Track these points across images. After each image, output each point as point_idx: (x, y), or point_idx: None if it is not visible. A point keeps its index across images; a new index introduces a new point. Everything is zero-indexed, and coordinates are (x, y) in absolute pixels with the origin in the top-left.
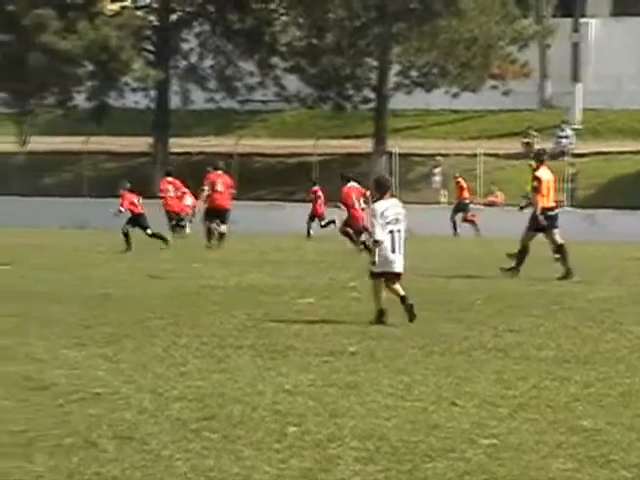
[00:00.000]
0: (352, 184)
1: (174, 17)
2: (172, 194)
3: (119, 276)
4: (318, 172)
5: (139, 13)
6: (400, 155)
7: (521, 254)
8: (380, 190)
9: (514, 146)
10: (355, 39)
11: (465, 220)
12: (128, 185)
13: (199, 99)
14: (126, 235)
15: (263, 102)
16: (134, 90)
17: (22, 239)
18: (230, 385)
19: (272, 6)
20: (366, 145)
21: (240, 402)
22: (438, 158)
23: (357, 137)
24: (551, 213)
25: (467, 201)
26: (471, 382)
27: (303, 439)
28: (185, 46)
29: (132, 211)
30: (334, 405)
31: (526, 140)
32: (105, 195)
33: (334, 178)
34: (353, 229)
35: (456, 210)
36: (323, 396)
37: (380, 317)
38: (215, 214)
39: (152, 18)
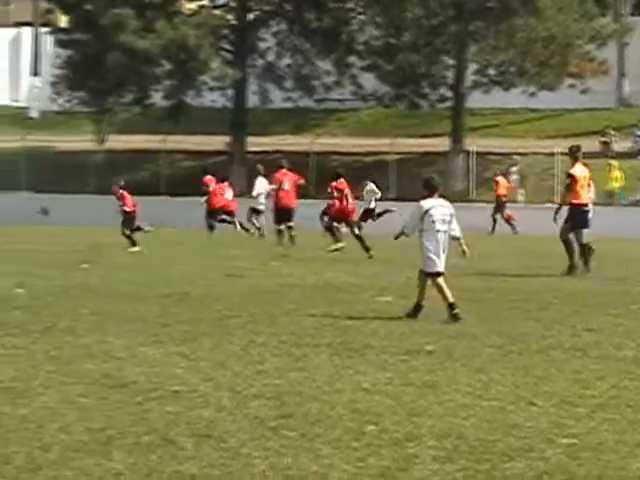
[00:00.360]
0: (342, 180)
1: (252, 16)
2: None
3: (196, 274)
4: (395, 171)
5: (217, 12)
6: (477, 154)
7: (583, 254)
8: (428, 189)
9: (592, 145)
10: (432, 37)
11: (497, 219)
12: (122, 183)
13: (276, 98)
14: (135, 231)
15: (340, 101)
16: (212, 89)
17: (100, 238)
18: (308, 383)
19: (349, 5)
20: (443, 144)
21: (318, 400)
22: (515, 157)
23: (434, 136)
24: (585, 209)
25: (503, 200)
26: (549, 381)
27: (381, 438)
28: (262, 45)
29: (126, 210)
30: (412, 404)
31: (604, 139)
32: (182, 193)
33: (411, 176)
34: (339, 219)
35: (498, 209)
36: (401, 395)
37: (452, 310)
38: (281, 213)
39: (230, 17)
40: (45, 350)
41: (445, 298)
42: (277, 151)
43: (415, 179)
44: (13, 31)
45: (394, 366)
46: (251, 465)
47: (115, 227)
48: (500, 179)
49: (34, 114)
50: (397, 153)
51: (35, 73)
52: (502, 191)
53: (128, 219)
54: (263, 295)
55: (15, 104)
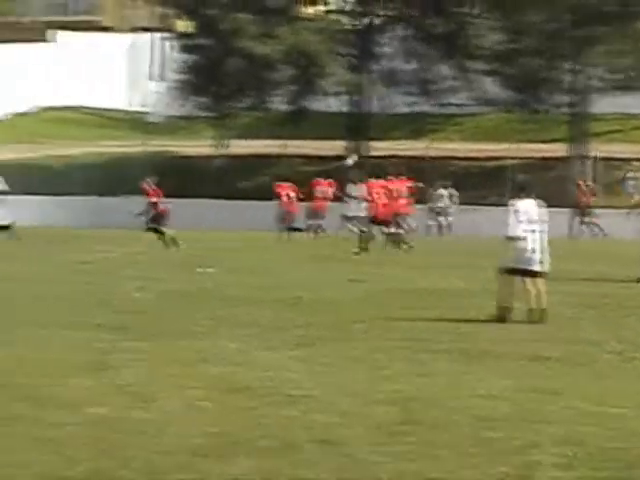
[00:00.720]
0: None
1: (372, 21)
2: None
3: (311, 279)
4: (514, 176)
5: (338, 17)
6: (599, 159)
7: None
8: (521, 191)
9: None
10: (552, 42)
11: (588, 222)
12: (153, 181)
13: (396, 102)
14: (157, 231)
15: (459, 105)
16: (331, 94)
17: (217, 242)
18: (427, 389)
19: (470, 10)
20: (563, 149)
21: (438, 406)
22: (635, 163)
23: (554, 141)
24: None
25: (587, 205)
26: None
27: (501, 444)
28: (383, 50)
29: (155, 208)
30: (532, 410)
31: None
32: (301, 199)
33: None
34: (378, 220)
35: (580, 214)
36: (521, 401)
37: (502, 314)
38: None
39: (350, 22)
40: (163, 354)
41: (502, 299)
42: (394, 156)
43: (535, 185)
44: (131, 36)
45: (513, 372)
46: (371, 471)
47: (234, 231)
48: (582, 184)
49: (154, 119)
50: (516, 158)
51: (154, 78)
52: (584, 198)
53: (157, 215)
54: (378, 299)
55: (134, 109)
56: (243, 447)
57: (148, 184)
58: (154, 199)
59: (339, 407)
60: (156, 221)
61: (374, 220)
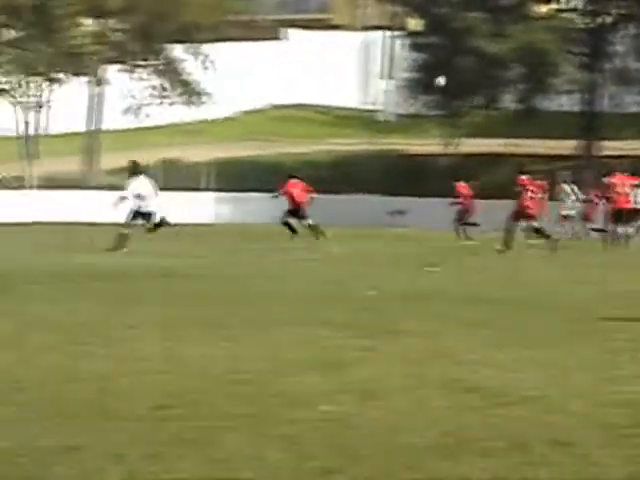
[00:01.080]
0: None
1: (604, 19)
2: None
3: (545, 278)
4: None
5: (570, 16)
6: None
7: None
8: None
9: None
10: None
11: None
12: (295, 176)
13: (629, 102)
14: (287, 224)
15: None
16: (562, 92)
17: (446, 241)
18: None
19: None
20: None
21: None
22: None
23: None
24: None
25: None
26: None
27: None
28: (615, 48)
29: (293, 201)
30: None
31: None
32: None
33: None
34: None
35: None
36: None
37: None
38: (620, 215)
39: (581, 20)
40: (391, 352)
41: None
42: (624, 156)
43: None
44: (362, 35)
45: None
46: (603, 473)
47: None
48: None
49: (383, 117)
50: None
51: (385, 76)
52: None
53: (295, 210)
54: (602, 300)
55: (365, 107)
56: (473, 446)
57: (289, 178)
58: (300, 199)
59: (568, 408)
60: (294, 214)
61: (519, 216)
